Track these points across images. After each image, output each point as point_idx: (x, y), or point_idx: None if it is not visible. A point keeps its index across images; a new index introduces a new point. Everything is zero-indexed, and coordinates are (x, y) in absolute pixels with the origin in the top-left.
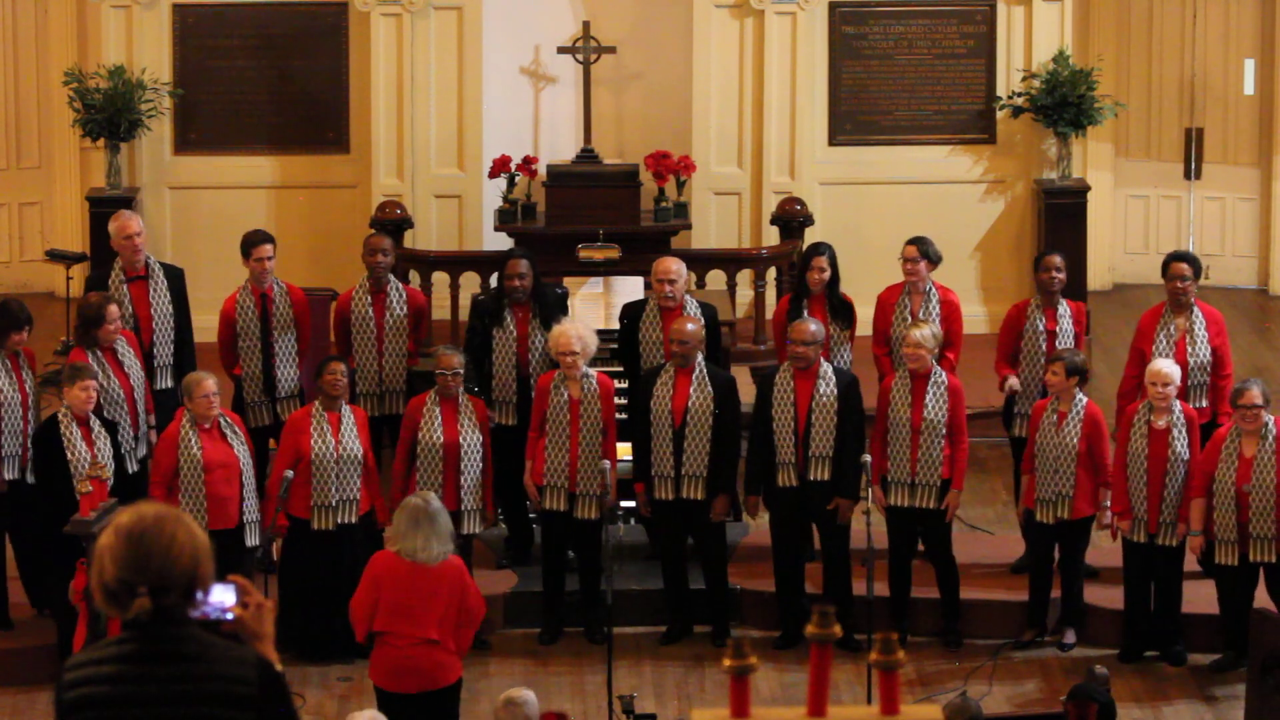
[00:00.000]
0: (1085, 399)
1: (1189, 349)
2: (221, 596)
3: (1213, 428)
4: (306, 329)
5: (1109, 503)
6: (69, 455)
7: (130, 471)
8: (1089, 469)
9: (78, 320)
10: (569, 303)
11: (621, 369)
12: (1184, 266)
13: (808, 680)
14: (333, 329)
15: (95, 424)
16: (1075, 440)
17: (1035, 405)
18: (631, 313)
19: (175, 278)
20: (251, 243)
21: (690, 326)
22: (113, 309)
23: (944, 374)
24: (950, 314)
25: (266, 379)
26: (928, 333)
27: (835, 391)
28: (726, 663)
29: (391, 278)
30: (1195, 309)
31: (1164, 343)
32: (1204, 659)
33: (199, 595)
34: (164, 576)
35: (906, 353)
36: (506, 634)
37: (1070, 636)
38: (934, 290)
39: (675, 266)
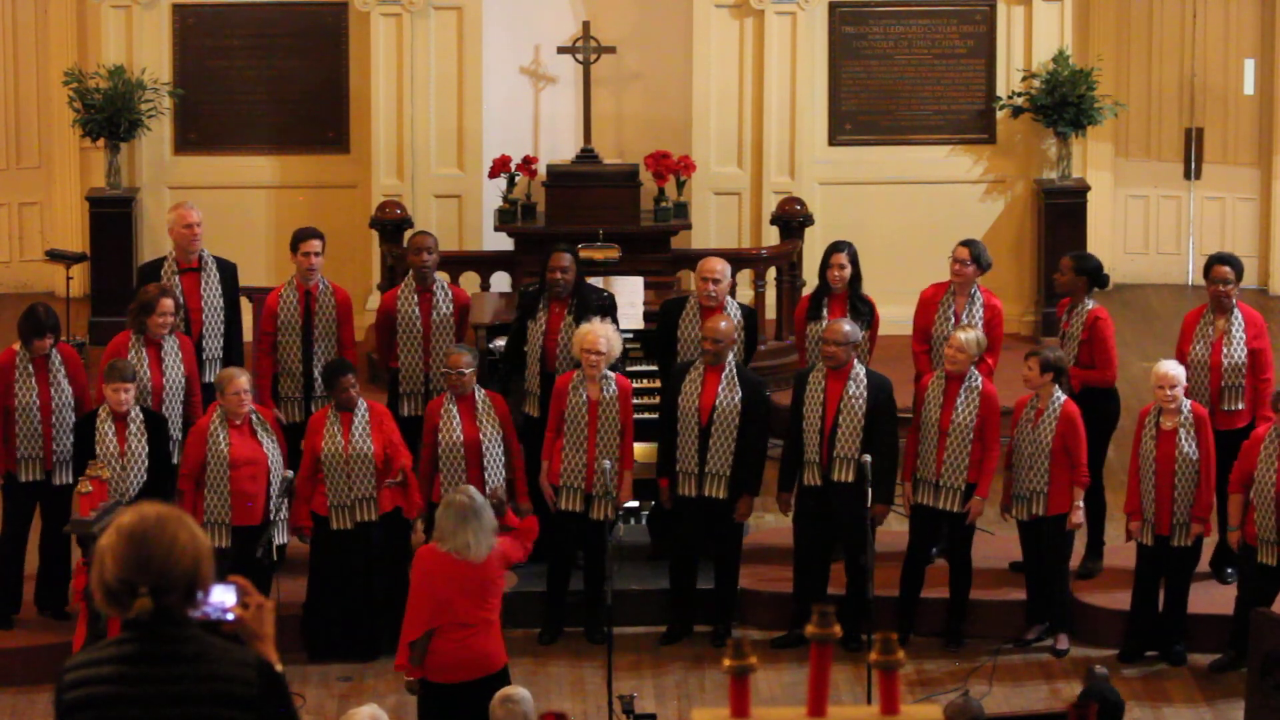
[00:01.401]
0: (1063, 397)
1: (1224, 350)
2: (222, 597)
3: (1248, 430)
4: (349, 330)
5: (1080, 502)
6: (98, 450)
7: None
8: (1064, 466)
9: (133, 304)
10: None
11: (655, 366)
12: (1227, 270)
13: (808, 680)
14: (376, 328)
15: (136, 421)
16: (1050, 437)
17: (1018, 400)
18: (671, 310)
19: (228, 272)
20: (300, 238)
21: (724, 325)
22: (167, 302)
23: (979, 378)
24: (993, 319)
25: (305, 376)
26: (971, 337)
27: (865, 394)
28: (726, 663)
29: (437, 276)
30: (1236, 311)
31: (1202, 344)
32: (1204, 659)
33: (199, 595)
34: (165, 576)
35: (947, 354)
36: (507, 634)
37: (1063, 642)
38: (979, 293)
39: (720, 266)
